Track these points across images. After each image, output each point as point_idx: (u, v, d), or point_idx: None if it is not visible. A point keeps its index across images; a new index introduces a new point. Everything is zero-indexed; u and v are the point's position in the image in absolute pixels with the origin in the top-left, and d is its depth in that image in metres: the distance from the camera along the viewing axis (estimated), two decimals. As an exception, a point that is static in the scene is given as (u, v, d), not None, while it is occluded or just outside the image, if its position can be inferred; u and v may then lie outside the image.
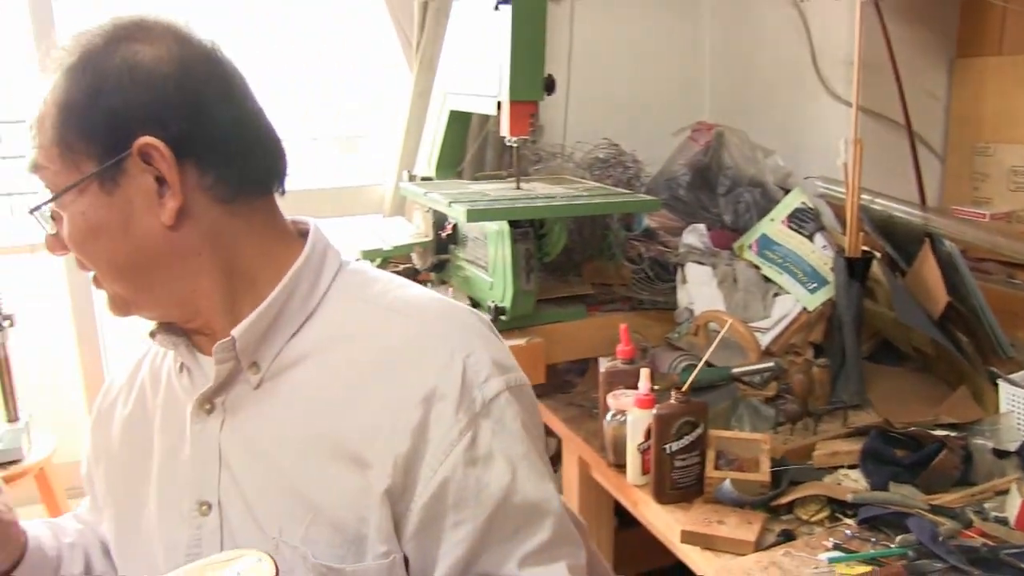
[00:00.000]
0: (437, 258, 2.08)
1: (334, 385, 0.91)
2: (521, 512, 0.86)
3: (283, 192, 0.98)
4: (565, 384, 1.99)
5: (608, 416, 1.58)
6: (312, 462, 0.89)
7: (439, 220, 2.05)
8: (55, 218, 0.91)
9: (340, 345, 0.93)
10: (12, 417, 2.24)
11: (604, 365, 1.65)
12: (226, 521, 0.93)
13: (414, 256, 2.13)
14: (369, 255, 2.02)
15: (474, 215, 1.71)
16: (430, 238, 2.06)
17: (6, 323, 2.19)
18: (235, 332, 0.91)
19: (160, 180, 0.87)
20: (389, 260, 2.16)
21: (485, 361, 0.89)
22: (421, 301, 0.96)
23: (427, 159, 2.22)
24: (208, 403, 0.95)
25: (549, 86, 1.84)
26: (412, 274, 2.14)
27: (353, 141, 2.76)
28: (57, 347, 2.52)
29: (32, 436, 2.24)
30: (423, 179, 2.16)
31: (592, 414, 1.79)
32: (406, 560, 0.89)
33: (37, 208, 0.90)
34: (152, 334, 1.00)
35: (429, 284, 2.08)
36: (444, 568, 0.86)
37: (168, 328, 0.98)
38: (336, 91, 2.66)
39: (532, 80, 1.81)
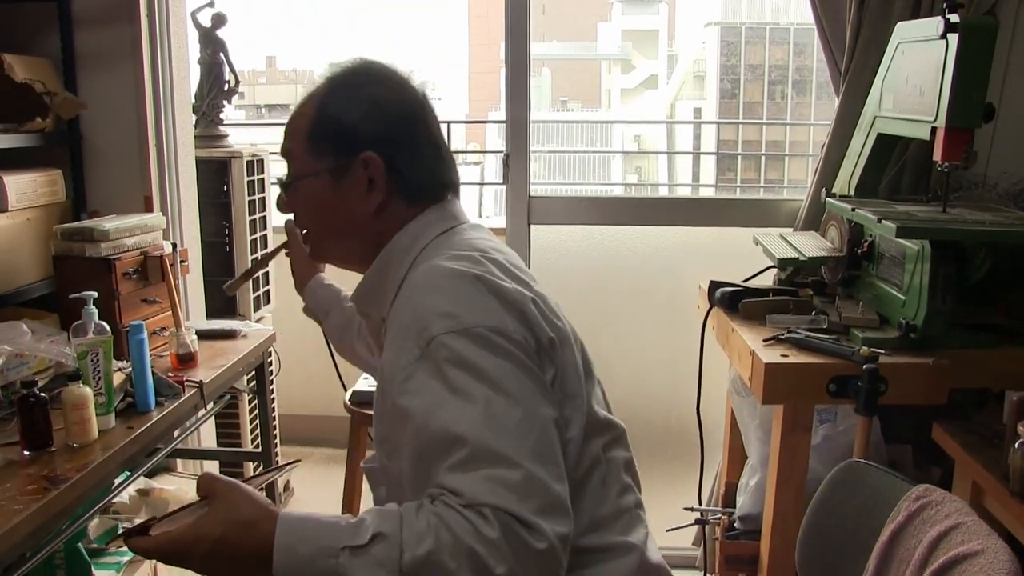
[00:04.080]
0: (848, 273, 2.16)
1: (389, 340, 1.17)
2: (440, 437, 1.00)
3: (453, 197, 1.30)
4: (962, 411, 1.98)
5: (1016, 444, 1.58)
6: None
7: (855, 237, 2.13)
8: (292, 189, 1.29)
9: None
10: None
11: (1015, 395, 1.66)
12: None
13: (824, 269, 2.23)
14: (785, 263, 2.16)
15: (904, 232, 1.78)
16: (844, 253, 2.15)
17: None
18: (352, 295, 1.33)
19: (371, 181, 1.22)
20: (800, 270, 2.27)
21: (431, 313, 1.07)
22: (437, 267, 1.15)
23: (847, 179, 2.30)
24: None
25: (988, 114, 1.87)
26: (820, 287, 2.25)
27: (769, 160, 2.89)
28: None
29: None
30: (842, 197, 2.25)
31: (993, 443, 1.78)
32: None
33: (284, 183, 1.29)
34: None
35: (836, 299, 2.18)
36: (407, 473, 1.07)
37: None
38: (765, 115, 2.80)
39: (972, 107, 1.85)
